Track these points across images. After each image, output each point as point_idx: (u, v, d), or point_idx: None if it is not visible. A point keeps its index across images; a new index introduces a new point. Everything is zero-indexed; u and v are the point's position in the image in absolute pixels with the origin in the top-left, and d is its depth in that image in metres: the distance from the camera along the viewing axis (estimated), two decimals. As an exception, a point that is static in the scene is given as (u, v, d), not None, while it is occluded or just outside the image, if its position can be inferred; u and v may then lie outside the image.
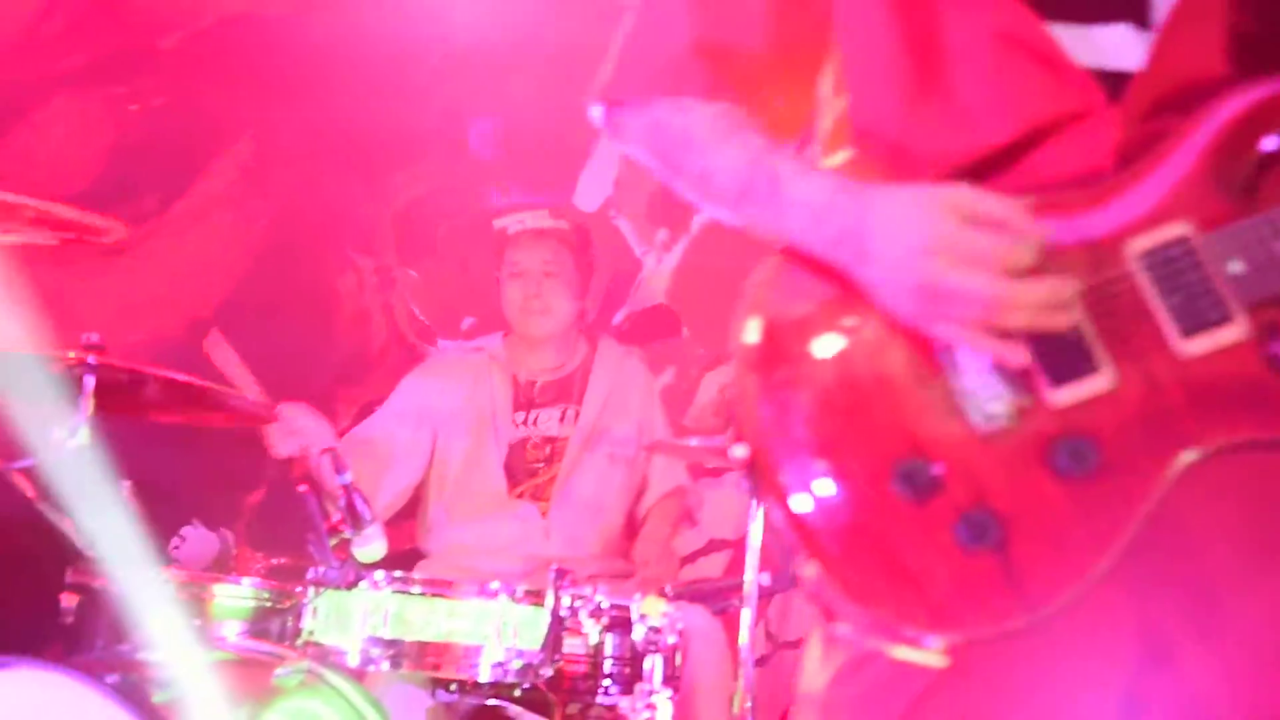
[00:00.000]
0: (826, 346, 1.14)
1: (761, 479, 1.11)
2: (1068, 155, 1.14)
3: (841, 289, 1.15)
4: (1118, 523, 1.05)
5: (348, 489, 2.34)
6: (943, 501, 1.07)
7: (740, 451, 1.12)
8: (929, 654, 1.09)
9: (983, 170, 1.15)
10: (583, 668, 2.39)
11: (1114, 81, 1.15)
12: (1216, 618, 1.11)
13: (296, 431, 2.79)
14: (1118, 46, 1.16)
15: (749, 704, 2.56)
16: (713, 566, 3.85)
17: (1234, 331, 1.08)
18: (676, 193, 1.31)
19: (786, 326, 1.15)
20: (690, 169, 1.26)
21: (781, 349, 1.14)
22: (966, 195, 1.10)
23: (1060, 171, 1.13)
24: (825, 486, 1.09)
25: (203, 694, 2.10)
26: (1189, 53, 1.15)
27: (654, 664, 2.18)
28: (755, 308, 1.17)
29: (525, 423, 3.29)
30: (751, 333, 1.16)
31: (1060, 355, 1.08)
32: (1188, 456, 1.06)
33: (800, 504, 1.09)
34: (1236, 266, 1.08)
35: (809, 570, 1.09)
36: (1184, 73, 1.15)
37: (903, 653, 1.10)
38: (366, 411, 3.63)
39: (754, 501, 1.08)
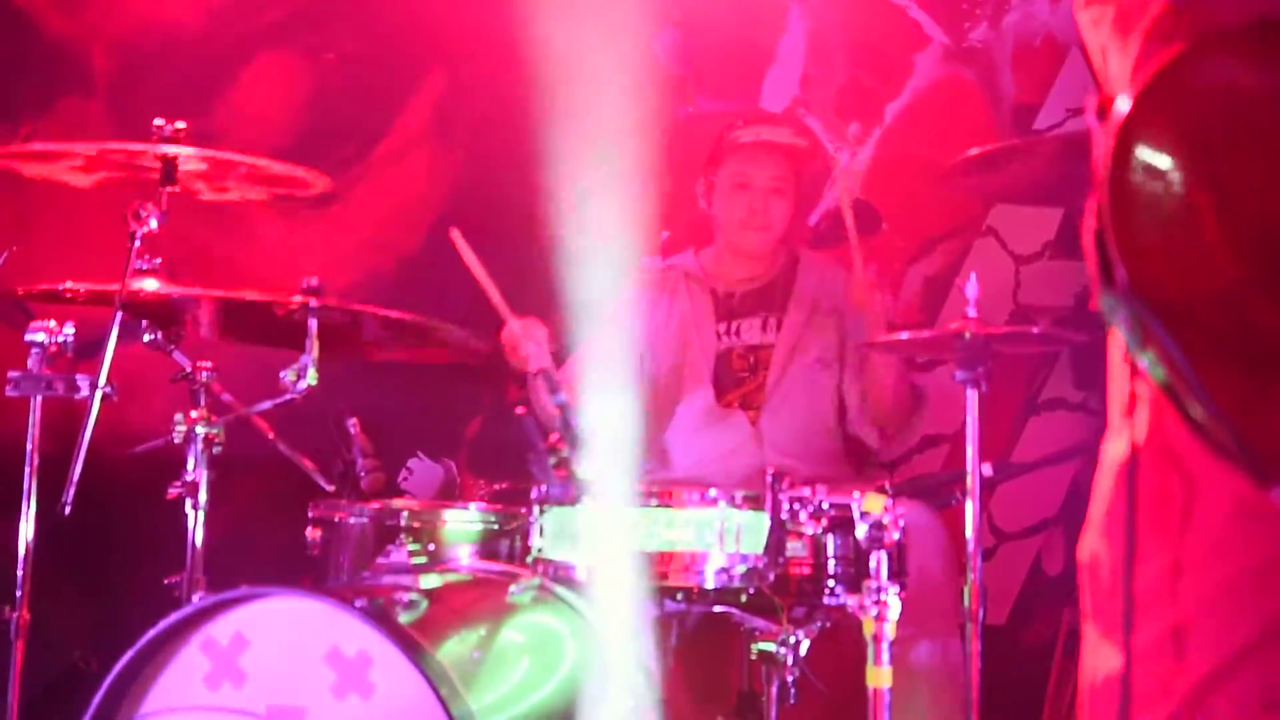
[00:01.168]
0: (1253, 174, 0.95)
1: (1149, 328, 0.92)
2: None
3: None
4: None
5: (563, 408, 2.39)
6: None
7: (1108, 305, 0.93)
8: None
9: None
10: (807, 569, 2.39)
11: None
12: None
13: (537, 341, 2.87)
14: None
15: (978, 597, 2.52)
16: (929, 463, 3.79)
17: None
18: None
19: (1194, 141, 0.95)
20: None
21: (1181, 167, 0.94)
22: None
23: None
24: (1234, 333, 0.93)
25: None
26: None
27: (879, 561, 2.16)
28: (1149, 120, 0.95)
29: (728, 333, 3.29)
30: (1140, 147, 0.94)
31: None
32: None
33: (1200, 353, 0.92)
34: None
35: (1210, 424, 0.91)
36: None
37: None
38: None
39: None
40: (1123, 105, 0.96)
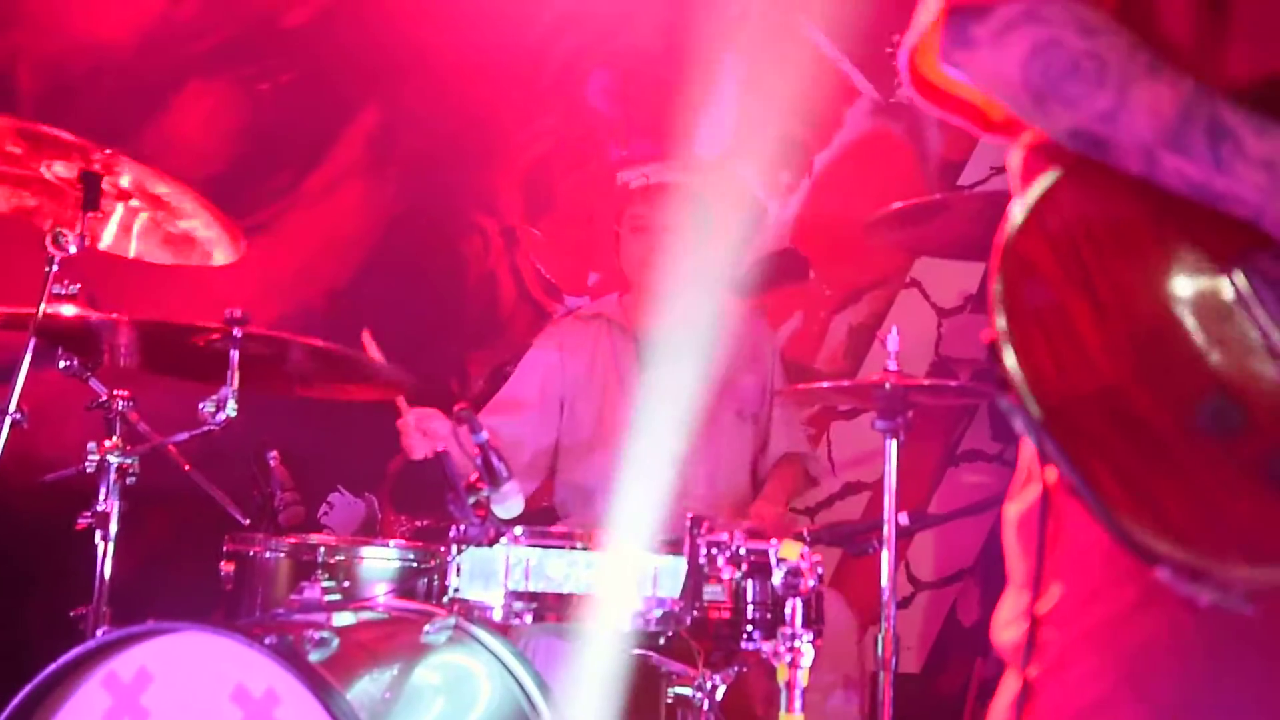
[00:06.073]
0: (1121, 279, 1.03)
1: (1034, 419, 0.99)
2: None
3: (1151, 219, 1.05)
4: None
5: (484, 448, 2.37)
6: (1254, 440, 0.98)
7: (1005, 405, 1.01)
8: (1234, 600, 0.99)
9: (1268, 94, 1.07)
10: (724, 614, 2.39)
11: None
12: None
13: (430, 433, 2.80)
14: None
15: (891, 645, 2.54)
16: (850, 509, 3.82)
17: None
18: (1042, 128, 1.13)
19: (1067, 254, 1.04)
20: (1089, 104, 1.08)
21: (1059, 278, 1.03)
22: None
23: None
24: (1116, 426, 0.99)
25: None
26: None
27: (794, 607, 2.17)
28: (1029, 236, 1.05)
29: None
30: (1022, 261, 1.04)
31: None
32: None
33: (1084, 447, 0.98)
34: None
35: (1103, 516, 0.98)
36: None
37: (1210, 597, 0.99)
38: (498, 373, 3.68)
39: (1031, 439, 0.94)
40: (1016, 212, 1.06)
